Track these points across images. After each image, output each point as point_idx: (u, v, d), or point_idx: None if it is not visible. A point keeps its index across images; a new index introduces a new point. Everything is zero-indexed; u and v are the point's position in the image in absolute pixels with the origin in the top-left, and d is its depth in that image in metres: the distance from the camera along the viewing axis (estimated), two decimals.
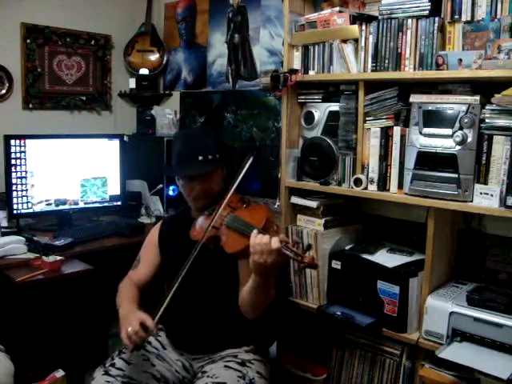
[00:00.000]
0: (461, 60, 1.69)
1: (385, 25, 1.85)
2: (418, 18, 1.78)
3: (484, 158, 1.68)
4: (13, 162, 2.52)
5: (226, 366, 1.74)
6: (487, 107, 1.65)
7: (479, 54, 1.65)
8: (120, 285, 1.97)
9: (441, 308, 1.75)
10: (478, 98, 1.67)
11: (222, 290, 1.81)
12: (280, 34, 2.63)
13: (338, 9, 2.02)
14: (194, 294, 1.83)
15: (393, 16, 1.84)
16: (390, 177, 1.91)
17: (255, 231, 1.59)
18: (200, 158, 1.86)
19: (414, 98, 1.82)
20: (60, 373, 2.08)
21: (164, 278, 2.02)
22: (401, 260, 1.92)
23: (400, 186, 1.88)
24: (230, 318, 1.81)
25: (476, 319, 1.67)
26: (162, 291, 2.10)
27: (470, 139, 1.68)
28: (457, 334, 1.71)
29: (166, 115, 3.18)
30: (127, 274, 2.02)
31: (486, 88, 1.68)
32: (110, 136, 2.89)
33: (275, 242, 1.54)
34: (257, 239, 1.56)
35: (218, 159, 1.89)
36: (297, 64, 2.13)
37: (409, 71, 1.81)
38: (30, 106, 2.97)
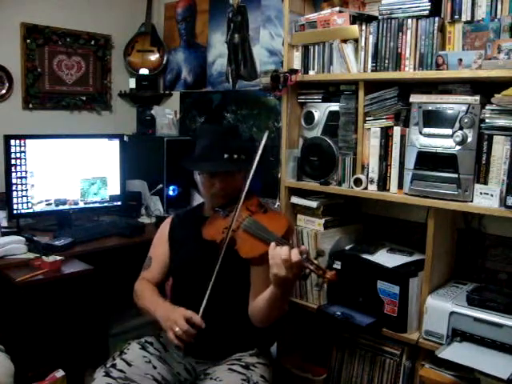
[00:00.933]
0: (461, 60, 1.69)
1: (385, 25, 1.86)
2: (418, 17, 1.78)
3: (484, 158, 1.68)
4: (13, 161, 2.51)
5: (229, 369, 1.72)
6: (487, 107, 1.66)
7: (479, 54, 1.65)
8: (137, 287, 1.94)
9: (441, 308, 1.75)
10: (478, 98, 1.67)
11: (231, 295, 1.78)
12: (280, 34, 2.63)
13: (338, 9, 2.02)
14: (203, 295, 1.78)
15: (393, 16, 1.84)
16: (389, 177, 1.91)
17: (273, 243, 1.53)
18: (225, 155, 1.80)
19: (414, 98, 1.82)
20: (60, 373, 2.08)
21: (169, 275, 1.99)
22: (401, 260, 1.92)
23: (400, 186, 1.88)
24: (237, 324, 1.78)
25: (476, 319, 1.67)
26: (162, 290, 2.10)
27: (470, 139, 1.68)
28: (457, 334, 1.71)
29: (166, 115, 3.18)
30: (140, 276, 1.97)
31: (486, 88, 1.68)
32: (110, 136, 2.88)
33: (295, 255, 1.47)
34: (276, 251, 1.50)
35: (242, 160, 1.84)
36: (297, 64, 2.13)
37: (409, 71, 1.81)
38: (30, 106, 2.97)
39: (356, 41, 1.95)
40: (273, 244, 1.53)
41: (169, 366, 1.81)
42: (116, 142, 2.87)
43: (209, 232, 1.79)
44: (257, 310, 1.72)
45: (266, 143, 1.77)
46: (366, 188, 1.96)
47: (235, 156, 1.82)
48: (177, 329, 1.59)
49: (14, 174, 2.52)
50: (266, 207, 1.83)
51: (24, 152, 2.55)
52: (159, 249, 1.98)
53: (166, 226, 2.01)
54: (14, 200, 2.54)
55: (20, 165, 2.54)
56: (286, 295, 1.62)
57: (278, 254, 1.48)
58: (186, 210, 2.14)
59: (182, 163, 1.91)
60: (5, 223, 2.55)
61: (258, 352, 1.84)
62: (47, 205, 2.65)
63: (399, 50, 1.83)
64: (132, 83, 3.31)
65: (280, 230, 1.62)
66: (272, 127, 2.75)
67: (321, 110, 2.11)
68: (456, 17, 1.75)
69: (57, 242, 2.30)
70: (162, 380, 1.75)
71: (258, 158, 1.74)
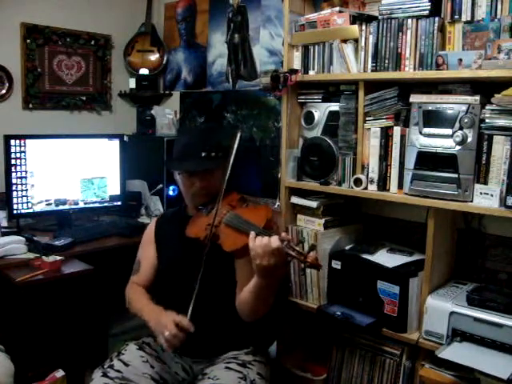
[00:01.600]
0: (461, 60, 1.69)
1: (385, 25, 1.85)
2: (418, 17, 1.78)
3: (484, 158, 1.68)
4: (13, 162, 2.52)
5: (226, 368, 1.73)
6: (487, 107, 1.65)
7: (479, 54, 1.65)
8: (128, 291, 1.94)
9: (441, 308, 1.75)
10: (478, 98, 1.67)
11: (220, 292, 1.79)
12: (280, 33, 2.63)
13: (338, 9, 2.02)
14: (193, 294, 1.81)
15: (393, 16, 1.84)
16: (389, 177, 1.91)
17: (253, 233, 1.55)
18: (203, 154, 1.80)
19: (414, 98, 1.82)
20: (60, 373, 2.08)
21: (158, 278, 1.98)
22: (401, 260, 1.92)
23: (400, 186, 1.88)
24: (230, 321, 1.79)
25: (476, 319, 1.67)
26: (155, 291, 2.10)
27: (470, 139, 1.68)
28: (457, 334, 1.71)
29: (166, 115, 3.17)
30: (130, 280, 1.98)
31: (486, 88, 1.68)
32: (110, 136, 2.89)
33: (275, 241, 1.50)
34: (256, 242, 1.52)
35: (221, 157, 1.84)
36: (297, 64, 2.13)
37: (409, 71, 1.81)
38: (30, 106, 2.97)
39: (356, 41, 1.95)
40: (252, 236, 1.54)
41: (167, 365, 1.82)
42: (116, 142, 2.87)
43: (192, 230, 1.80)
44: (243, 302, 1.72)
45: (239, 144, 1.78)
46: (366, 188, 1.96)
47: (213, 153, 1.82)
48: (166, 333, 1.60)
49: (14, 174, 2.52)
50: (247, 201, 1.84)
51: (24, 152, 2.55)
52: (147, 251, 1.99)
53: (151, 228, 2.02)
54: (14, 200, 2.54)
55: (20, 165, 2.54)
56: (271, 286, 1.62)
57: (258, 244, 1.50)
58: (171, 211, 2.15)
59: (166, 165, 1.91)
60: (5, 223, 2.55)
61: (254, 350, 1.84)
62: (47, 205, 2.65)
63: (399, 50, 1.83)
64: (132, 83, 3.31)
65: (261, 221, 1.63)
66: (272, 127, 2.75)
67: (321, 110, 2.11)
68: (456, 17, 1.75)
69: (57, 242, 2.30)
70: (160, 379, 1.76)
71: (232, 158, 1.76)
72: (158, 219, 2.06)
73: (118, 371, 1.70)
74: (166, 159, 1.95)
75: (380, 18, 1.88)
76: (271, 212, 1.75)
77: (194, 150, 1.83)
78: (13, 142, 2.51)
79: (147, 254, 1.98)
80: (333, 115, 2.07)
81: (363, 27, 1.92)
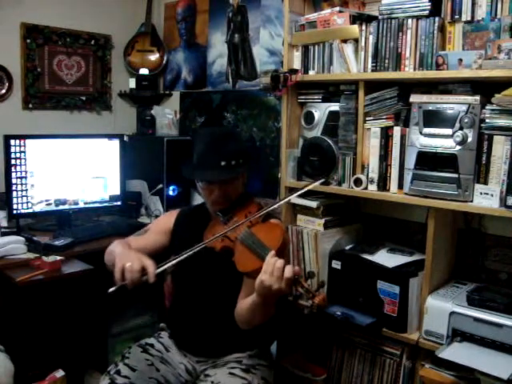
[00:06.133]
0: (461, 60, 1.69)
1: (385, 25, 1.86)
2: (418, 18, 1.79)
3: (484, 158, 1.68)
4: (13, 162, 2.51)
5: (230, 373, 1.72)
6: (487, 107, 1.66)
7: (479, 54, 1.65)
8: (114, 242, 1.85)
9: (441, 308, 1.75)
10: (478, 98, 1.67)
11: (228, 295, 1.78)
12: (280, 33, 2.63)
13: (338, 9, 2.02)
14: (201, 296, 1.81)
15: (393, 16, 1.84)
16: (390, 177, 1.91)
17: (272, 253, 1.51)
18: (223, 163, 1.77)
19: (414, 98, 1.82)
20: (60, 373, 2.08)
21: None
22: (401, 260, 1.92)
23: (400, 186, 1.88)
24: (235, 323, 1.77)
25: (476, 319, 1.67)
26: (161, 291, 2.10)
27: (470, 139, 1.68)
28: (457, 334, 1.71)
29: (166, 115, 3.17)
30: (127, 238, 1.92)
31: (486, 88, 1.68)
32: (110, 136, 2.88)
33: (289, 271, 1.45)
34: (272, 260, 1.48)
35: (240, 164, 1.81)
36: (297, 64, 2.13)
37: (409, 71, 1.82)
38: (30, 105, 2.97)
39: (356, 41, 1.95)
40: (273, 252, 1.51)
41: (171, 366, 1.81)
42: (116, 142, 2.87)
43: (208, 239, 1.78)
44: (240, 314, 1.71)
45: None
46: (366, 188, 1.96)
47: (233, 162, 1.79)
48: (128, 264, 1.53)
49: (14, 174, 2.52)
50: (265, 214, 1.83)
51: (24, 152, 2.54)
52: (156, 233, 1.95)
53: (171, 218, 1.98)
54: (14, 200, 2.53)
55: (20, 165, 2.54)
56: (267, 305, 1.59)
57: (273, 263, 1.47)
58: (193, 208, 2.12)
59: (181, 171, 1.90)
60: (5, 223, 2.54)
61: (258, 353, 1.84)
62: (47, 205, 2.65)
63: (399, 50, 1.83)
64: (132, 83, 3.30)
65: (275, 245, 1.59)
66: (272, 127, 2.75)
67: (321, 110, 2.11)
68: (456, 17, 1.75)
69: (57, 242, 2.30)
70: (166, 383, 1.75)
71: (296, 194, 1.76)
72: (178, 215, 2.00)
73: (126, 377, 1.67)
74: (183, 166, 1.92)
75: (380, 17, 1.88)
76: (285, 235, 1.73)
77: (213, 159, 1.79)
78: (13, 142, 2.51)
79: (156, 236, 1.94)
80: (333, 115, 2.07)
81: (363, 27, 1.92)
